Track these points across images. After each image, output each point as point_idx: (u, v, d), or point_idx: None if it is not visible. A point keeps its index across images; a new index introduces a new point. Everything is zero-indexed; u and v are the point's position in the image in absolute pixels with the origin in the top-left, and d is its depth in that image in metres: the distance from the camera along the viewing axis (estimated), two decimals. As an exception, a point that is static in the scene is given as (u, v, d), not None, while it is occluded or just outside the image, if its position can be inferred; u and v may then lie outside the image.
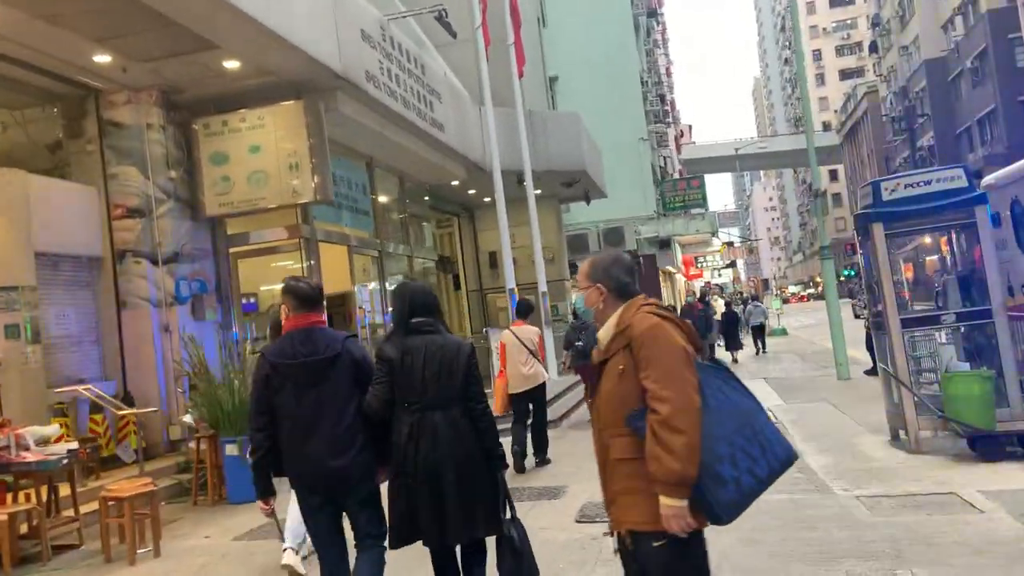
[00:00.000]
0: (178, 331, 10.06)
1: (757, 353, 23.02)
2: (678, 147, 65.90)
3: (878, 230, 7.41)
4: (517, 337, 8.66)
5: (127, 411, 8.48)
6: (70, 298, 9.80)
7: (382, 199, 15.17)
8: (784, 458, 2.61)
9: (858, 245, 8.14)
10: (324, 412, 3.82)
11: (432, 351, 3.85)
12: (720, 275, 58.80)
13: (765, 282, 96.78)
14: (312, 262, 11.31)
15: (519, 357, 8.61)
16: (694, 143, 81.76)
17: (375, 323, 13.71)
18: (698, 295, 17.68)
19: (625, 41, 28.47)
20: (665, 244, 27.18)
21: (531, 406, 8.74)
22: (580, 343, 11.89)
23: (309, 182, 10.37)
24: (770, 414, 10.94)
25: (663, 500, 2.52)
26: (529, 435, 8.72)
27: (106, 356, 10.07)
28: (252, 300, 15.70)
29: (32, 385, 8.73)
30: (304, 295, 3.95)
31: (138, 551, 6.25)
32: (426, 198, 18.88)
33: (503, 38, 16.94)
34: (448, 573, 3.97)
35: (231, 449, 7.87)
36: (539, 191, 20.80)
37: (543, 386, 8.83)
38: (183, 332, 10.03)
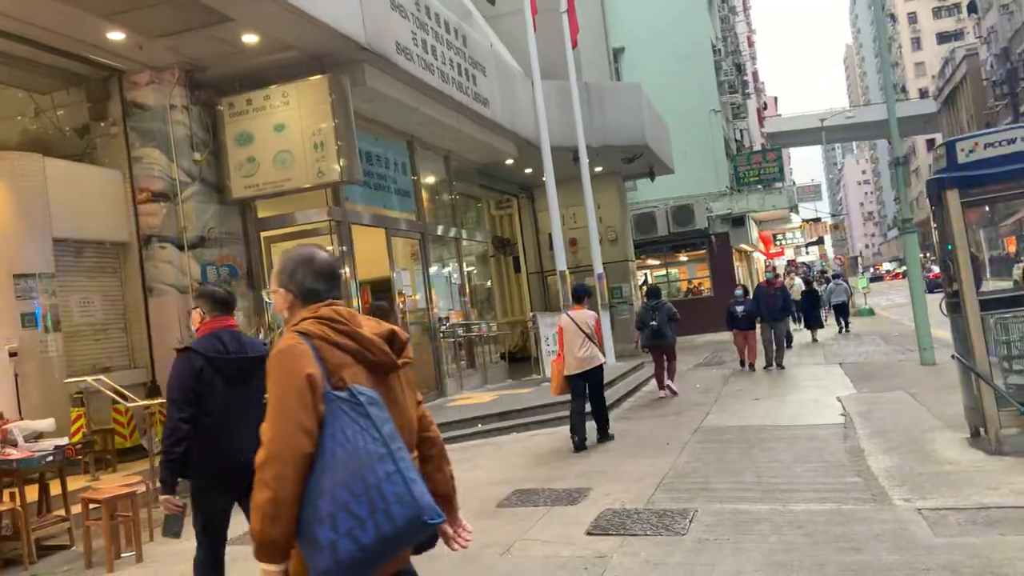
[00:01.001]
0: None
1: (840, 332, 22.16)
2: (760, 120, 63.47)
3: (952, 197, 6.40)
4: (574, 321, 8.90)
5: (137, 403, 8.16)
6: (95, 285, 9.60)
7: (428, 179, 14.63)
8: (405, 521, 1.98)
9: (932, 216, 7.09)
10: (248, 409, 3.97)
11: None
12: (808, 252, 56.41)
13: (855, 259, 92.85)
14: (344, 247, 10.83)
15: (575, 340, 8.85)
16: (780, 116, 78.73)
17: (416, 308, 13.20)
18: (776, 273, 16.93)
19: (695, 8, 27.11)
20: (739, 221, 25.84)
21: (588, 388, 8.93)
22: (654, 323, 11.84)
23: (335, 162, 9.88)
24: (837, 405, 9.98)
25: (259, 564, 2.12)
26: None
27: (133, 344, 9.84)
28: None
29: (51, 374, 8.55)
30: (220, 299, 4.24)
31: (122, 554, 5.88)
32: (479, 178, 18.30)
33: (556, 7, 16.12)
34: None
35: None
36: (599, 168, 20.01)
37: (599, 368, 8.96)
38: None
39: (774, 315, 14.35)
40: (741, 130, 32.73)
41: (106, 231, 9.64)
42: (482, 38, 14.52)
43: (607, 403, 9.46)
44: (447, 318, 13.85)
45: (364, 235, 12.48)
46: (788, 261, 51.72)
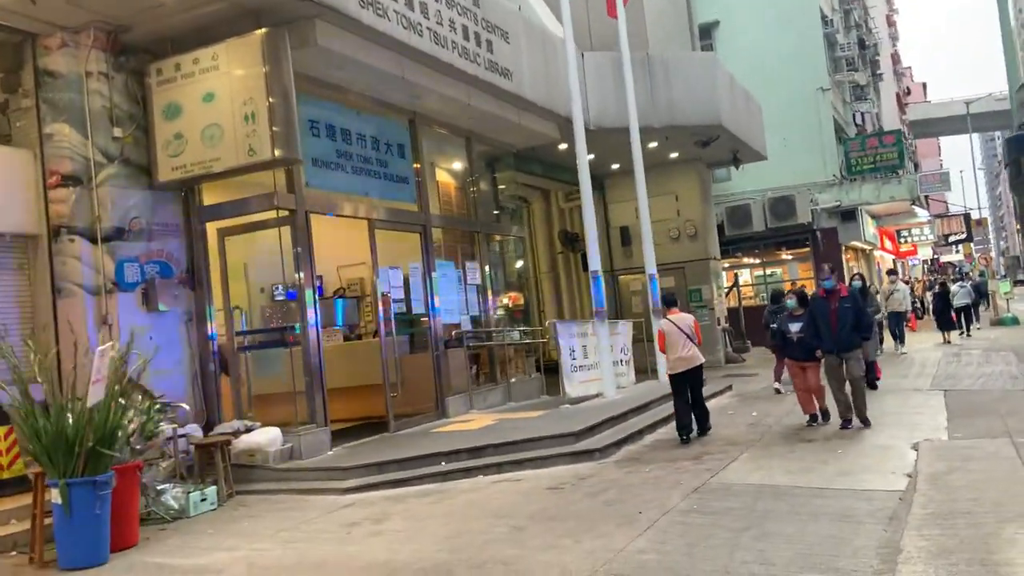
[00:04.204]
0: (120, 324, 8.25)
1: (960, 335, 20.32)
2: (902, 107, 57.96)
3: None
4: (675, 324, 9.50)
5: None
6: (-3, 283, 8.26)
7: (441, 165, 12.73)
8: None
9: (1008, 187, 4.54)
10: None
11: None
12: (958, 250, 50.59)
13: (1016, 259, 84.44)
14: (299, 248, 9.07)
15: (678, 341, 9.41)
16: (928, 102, 72.08)
17: (412, 315, 11.31)
18: (856, 275, 13.28)
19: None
20: (849, 215, 22.42)
21: (690, 386, 9.39)
22: (774, 325, 11.02)
23: (266, 137, 8.13)
24: (910, 457, 7.36)
25: None
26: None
27: (39, 354, 8.43)
28: (317, 283, 14.02)
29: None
30: None
31: None
32: (535, 166, 16.26)
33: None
34: None
35: (54, 494, 5.79)
36: (675, 154, 17.60)
37: (700, 367, 9.51)
38: (130, 325, 8.25)
39: (844, 342, 8.95)
40: (862, 113, 28.94)
41: (11, 221, 8.27)
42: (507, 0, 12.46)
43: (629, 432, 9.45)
44: (457, 325, 11.91)
45: (344, 227, 10.76)
46: (922, 261, 46.56)
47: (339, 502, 7.31)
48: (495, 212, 14.24)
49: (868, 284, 13.18)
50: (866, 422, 8.95)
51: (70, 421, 5.90)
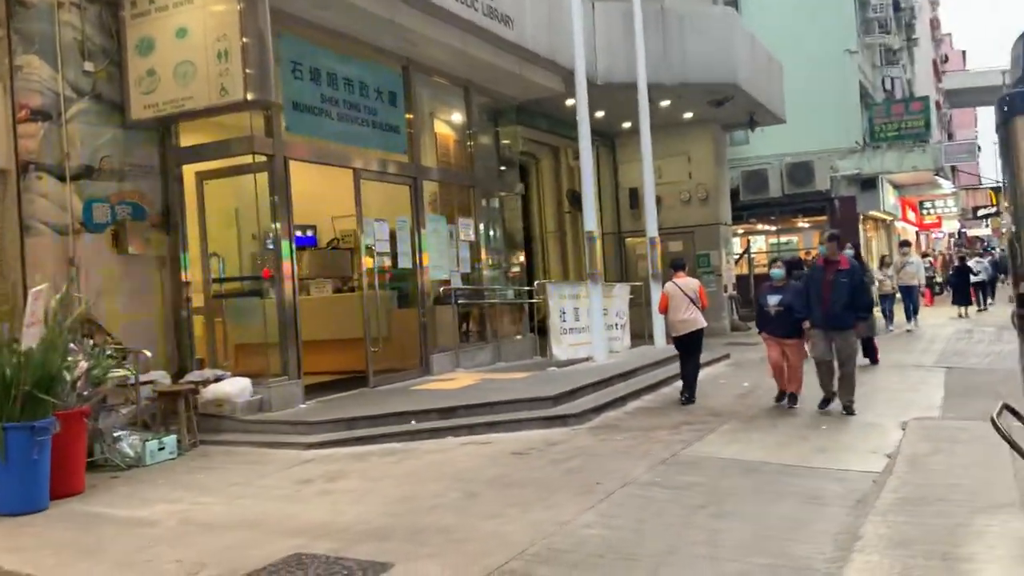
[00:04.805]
0: (87, 267, 8.03)
1: (978, 311, 20.58)
2: (938, 74, 56.24)
3: (1023, 127, 3.52)
4: (680, 288, 9.49)
5: None
6: (-38, 219, 8.05)
7: (438, 115, 12.33)
8: None
9: (998, 156, 4.11)
10: None
11: None
12: (987, 224, 49.36)
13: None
14: (276, 196, 8.76)
15: (681, 304, 9.43)
16: (967, 71, 69.90)
17: (398, 269, 11.02)
18: (849, 244, 12.17)
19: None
20: (869, 184, 21.70)
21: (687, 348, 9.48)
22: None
23: (239, 76, 7.79)
24: (896, 436, 7.03)
25: None
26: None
27: (6, 295, 8.26)
28: (309, 232, 13.76)
29: None
30: None
31: None
32: (541, 120, 15.79)
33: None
34: None
35: (-12, 437, 5.57)
36: (689, 114, 17.05)
37: (700, 331, 9.50)
38: (97, 268, 8.06)
39: (834, 319, 8.06)
40: (892, 78, 27.93)
41: (-21, 155, 8.03)
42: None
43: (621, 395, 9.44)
44: (447, 281, 11.60)
45: (327, 176, 10.44)
46: (948, 234, 45.46)
47: (301, 457, 7.11)
48: (498, 167, 13.85)
49: (858, 254, 12.23)
50: (849, 409, 8.03)
51: (12, 364, 5.68)
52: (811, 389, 8.54)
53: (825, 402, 8.30)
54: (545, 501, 5.41)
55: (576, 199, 19.66)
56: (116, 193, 8.40)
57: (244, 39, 7.77)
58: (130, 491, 6.12)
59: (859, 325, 8.40)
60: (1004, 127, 3.64)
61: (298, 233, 13.28)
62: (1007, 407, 3.66)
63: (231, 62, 7.81)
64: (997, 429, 3.40)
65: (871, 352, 11.52)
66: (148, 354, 7.60)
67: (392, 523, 5.02)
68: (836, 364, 8.17)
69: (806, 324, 8.30)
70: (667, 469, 6.20)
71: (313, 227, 13.55)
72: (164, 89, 8.17)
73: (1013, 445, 3.40)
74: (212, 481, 6.36)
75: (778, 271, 9.00)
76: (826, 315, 8.10)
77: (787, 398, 8.71)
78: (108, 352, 6.87)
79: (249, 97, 7.82)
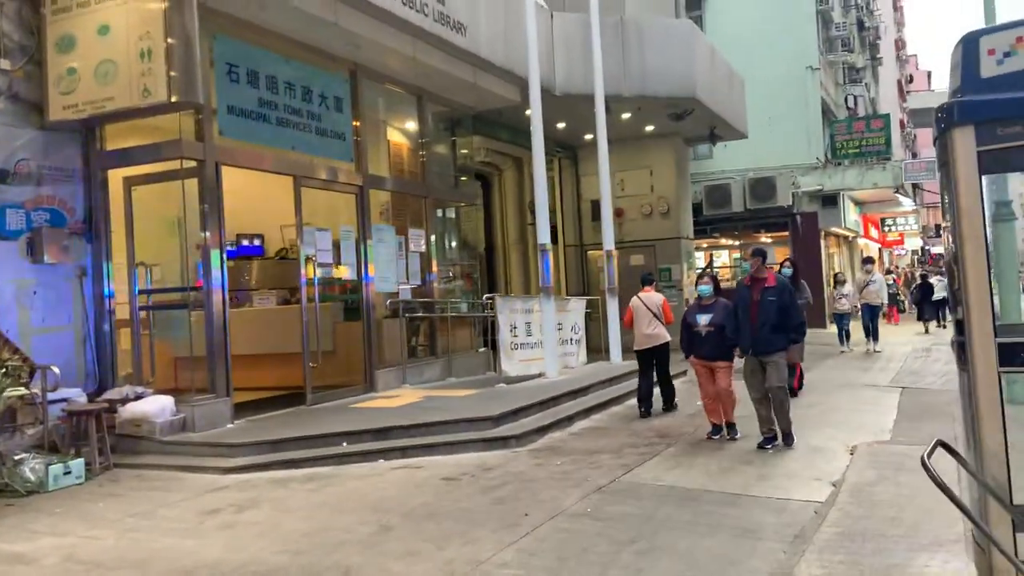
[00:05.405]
0: (-2, 275, 7.55)
1: (938, 325, 21.11)
2: (902, 94, 56.92)
3: (962, 141, 3.23)
4: (644, 303, 9.63)
5: None
6: None
7: (389, 124, 11.95)
8: None
9: (937, 173, 3.80)
10: None
11: None
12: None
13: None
14: (207, 204, 8.32)
15: (644, 319, 9.56)
16: (932, 91, 70.90)
17: (340, 280, 10.63)
18: (789, 263, 11.46)
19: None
20: (830, 200, 21.59)
21: (655, 362, 9.63)
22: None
23: (163, 76, 7.37)
24: (843, 461, 6.74)
25: None
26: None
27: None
28: (256, 242, 13.29)
29: None
30: None
31: None
32: (500, 131, 15.48)
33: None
34: None
35: None
36: (651, 127, 16.86)
37: (665, 346, 9.66)
38: (10, 277, 7.58)
39: (762, 343, 7.28)
40: (855, 96, 28.03)
41: None
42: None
43: (572, 413, 9.26)
44: (395, 294, 11.21)
45: (267, 183, 10.03)
46: (912, 251, 45.81)
47: (216, 483, 6.66)
48: (455, 177, 13.50)
49: (797, 271, 11.23)
50: (788, 438, 7.32)
51: None
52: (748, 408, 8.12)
53: (767, 441, 7.34)
54: (465, 536, 5.04)
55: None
56: (32, 199, 7.93)
57: (169, 39, 7.36)
58: (18, 522, 5.64)
59: (791, 349, 7.38)
60: (941, 140, 3.36)
61: (244, 242, 13.02)
62: (941, 443, 3.38)
63: (154, 61, 7.40)
64: (928, 471, 3.10)
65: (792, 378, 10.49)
66: (56, 371, 7.10)
67: (289, 563, 4.61)
68: (770, 392, 7.33)
69: (736, 351, 7.62)
70: (602, 498, 5.85)
71: (260, 236, 13.11)
72: (84, 89, 7.73)
73: (944, 489, 3.10)
74: (112, 510, 5.89)
75: (706, 287, 8.02)
76: (755, 339, 7.32)
77: (726, 428, 7.87)
78: (2, 370, 6.38)
79: (173, 99, 7.41)
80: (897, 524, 4.99)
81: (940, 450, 3.40)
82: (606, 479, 6.38)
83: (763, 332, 7.26)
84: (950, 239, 3.43)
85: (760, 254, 7.72)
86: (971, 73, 3.31)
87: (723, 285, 10.35)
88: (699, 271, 20.75)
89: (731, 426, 7.89)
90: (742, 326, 7.43)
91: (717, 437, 7.86)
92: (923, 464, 3.10)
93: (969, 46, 3.34)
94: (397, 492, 6.23)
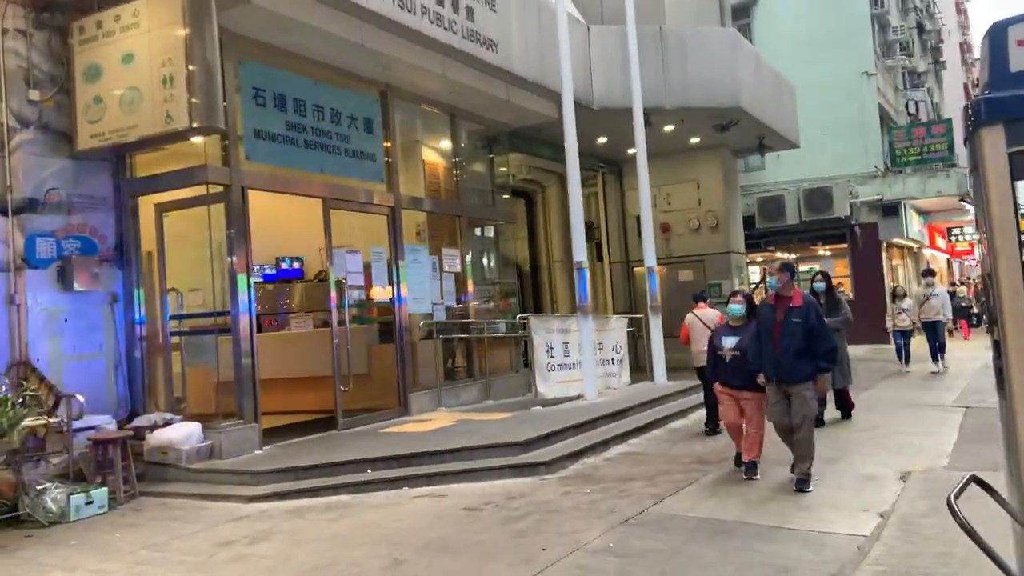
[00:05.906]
0: (28, 304, 7.60)
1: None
2: (969, 98, 55.01)
3: (990, 140, 2.88)
4: (699, 319, 9.45)
5: None
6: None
7: (425, 143, 11.83)
8: None
9: (969, 178, 3.39)
10: None
11: None
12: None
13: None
14: (233, 229, 8.28)
15: (701, 336, 9.05)
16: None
17: (374, 303, 10.50)
18: (825, 275, 10.38)
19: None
20: (891, 210, 20.80)
21: None
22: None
23: (184, 103, 7.35)
24: (893, 490, 6.27)
25: None
26: None
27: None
28: (296, 264, 13.31)
29: None
30: None
31: None
32: (544, 148, 15.25)
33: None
34: None
35: None
36: (696, 139, 16.43)
37: None
38: (41, 305, 7.64)
39: (784, 370, 6.48)
40: (916, 102, 27.07)
41: (-80, 189, 7.67)
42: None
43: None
44: (429, 315, 11.03)
45: (295, 206, 9.98)
46: (977, 261, 43.94)
47: (237, 512, 6.53)
48: (493, 195, 13.33)
49: (838, 285, 10.37)
50: (804, 483, 6.37)
51: None
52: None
53: (802, 481, 6.43)
54: (478, 572, 4.77)
55: (587, 228, 19.15)
56: (63, 227, 7.99)
57: (190, 65, 7.34)
58: (32, 554, 5.58)
59: (820, 379, 6.51)
60: (971, 140, 3.00)
61: (284, 265, 13.06)
62: (975, 479, 2.99)
63: (176, 88, 7.38)
64: (954, 515, 2.73)
65: (844, 404, 9.68)
66: (81, 398, 7.08)
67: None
68: (797, 423, 6.49)
69: (760, 378, 6.69)
70: (627, 531, 5.52)
71: (300, 259, 13.13)
72: (110, 117, 7.77)
73: (971, 535, 2.71)
74: (127, 541, 5.79)
75: (737, 307, 7.10)
76: (777, 365, 6.51)
77: (744, 466, 6.97)
78: (20, 400, 6.37)
79: (195, 124, 7.37)
80: (946, 561, 4.56)
81: (983, 474, 3.02)
82: (635, 510, 6.04)
83: (786, 358, 6.43)
84: (984, 249, 3.06)
85: (788, 269, 6.75)
86: (1000, 67, 2.94)
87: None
88: (753, 286, 20.28)
89: (751, 465, 6.91)
90: (764, 349, 6.62)
91: (740, 468, 7.11)
92: (949, 506, 2.73)
93: (997, 37, 2.98)
94: (415, 523, 5.99)
